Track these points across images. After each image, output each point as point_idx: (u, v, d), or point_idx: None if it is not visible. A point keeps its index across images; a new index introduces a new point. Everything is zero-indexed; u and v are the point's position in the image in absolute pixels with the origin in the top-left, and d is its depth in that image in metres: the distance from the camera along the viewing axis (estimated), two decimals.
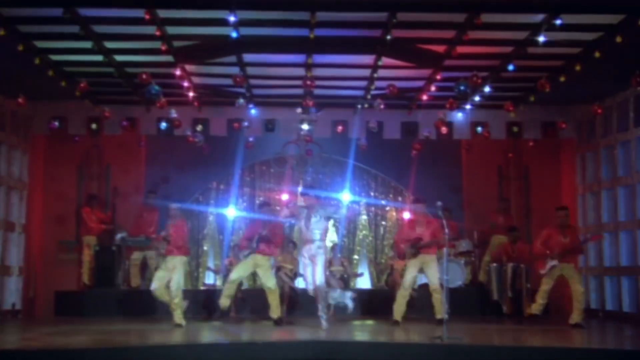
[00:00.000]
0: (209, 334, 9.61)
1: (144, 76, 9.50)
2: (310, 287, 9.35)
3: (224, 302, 10.25)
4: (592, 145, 12.94)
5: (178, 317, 10.04)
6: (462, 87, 9.50)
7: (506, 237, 12.52)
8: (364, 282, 14.16)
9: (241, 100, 10.56)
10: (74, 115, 12.70)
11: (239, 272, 10.31)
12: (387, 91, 10.10)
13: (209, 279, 13.93)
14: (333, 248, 13.02)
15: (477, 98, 12.00)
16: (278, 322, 10.13)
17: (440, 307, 10.04)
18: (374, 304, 12.54)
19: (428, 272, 10.33)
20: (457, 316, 10.45)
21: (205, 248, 14.36)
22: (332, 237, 14.44)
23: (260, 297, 12.50)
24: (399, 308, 10.22)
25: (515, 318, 11.47)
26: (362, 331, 9.86)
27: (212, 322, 11.07)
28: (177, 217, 10.25)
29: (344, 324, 10.63)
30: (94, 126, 12.72)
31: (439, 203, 8.39)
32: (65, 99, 12.23)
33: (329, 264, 12.48)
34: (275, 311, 10.24)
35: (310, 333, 9.09)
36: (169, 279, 10.03)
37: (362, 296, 12.88)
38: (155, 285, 10.05)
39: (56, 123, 12.32)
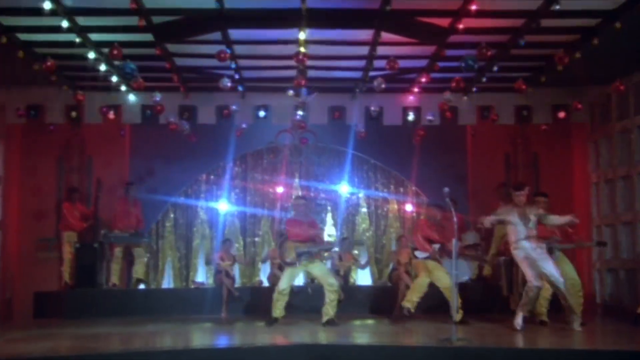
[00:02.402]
0: (199, 337, 8.89)
1: (115, 51, 8.62)
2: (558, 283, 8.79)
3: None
4: (606, 129, 12.12)
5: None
6: (469, 62, 8.70)
7: None
8: (364, 278, 13.38)
9: (226, 80, 9.69)
10: (51, 102, 11.92)
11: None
12: (387, 67, 9.23)
13: (199, 277, 13.12)
14: (343, 241, 12.27)
15: (483, 79, 11.19)
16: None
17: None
18: (376, 301, 11.79)
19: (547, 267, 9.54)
20: (465, 314, 9.67)
21: (196, 242, 13.50)
22: (330, 231, 13.68)
23: (254, 296, 11.93)
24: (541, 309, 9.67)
25: (526, 316, 10.70)
26: (362, 332, 9.08)
27: (203, 324, 10.30)
28: None
29: (342, 323, 9.82)
30: (73, 114, 11.90)
31: (446, 189, 7.61)
32: (42, 86, 11.43)
33: (339, 258, 11.78)
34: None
35: (306, 335, 8.39)
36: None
37: (362, 293, 12.16)
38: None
39: (26, 111, 11.48)
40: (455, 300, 7.90)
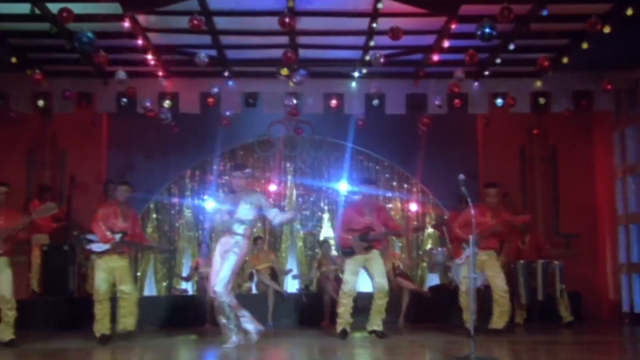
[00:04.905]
0: (183, 352, 7.91)
1: (65, 14, 7.37)
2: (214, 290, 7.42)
3: None
4: (634, 118, 11.02)
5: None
6: (487, 30, 7.50)
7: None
8: (364, 285, 12.17)
9: (203, 55, 8.50)
10: (16, 90, 10.73)
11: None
12: (390, 36, 8.03)
13: (183, 283, 11.94)
14: (324, 244, 11.11)
15: (497, 60, 10.00)
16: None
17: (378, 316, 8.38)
18: None
19: (374, 270, 8.48)
20: (479, 325, 8.48)
21: (181, 244, 12.41)
22: (328, 233, 12.47)
23: (241, 303, 10.81)
24: (344, 318, 8.35)
25: (549, 327, 9.80)
26: (363, 347, 7.88)
27: (187, 337, 9.19)
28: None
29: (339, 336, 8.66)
30: (41, 103, 10.72)
31: (461, 176, 6.42)
32: (4, 71, 10.24)
33: (318, 264, 10.67)
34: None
35: (302, 352, 7.41)
36: None
37: (363, 300, 10.99)
38: None
39: None
40: (472, 308, 6.66)
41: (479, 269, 8.44)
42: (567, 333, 9.33)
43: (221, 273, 7.32)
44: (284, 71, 9.16)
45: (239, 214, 7.39)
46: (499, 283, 8.51)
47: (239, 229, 7.37)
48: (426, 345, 7.82)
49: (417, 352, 7.40)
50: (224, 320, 7.44)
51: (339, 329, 8.29)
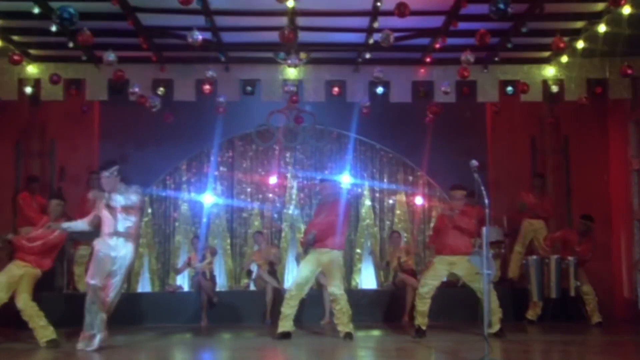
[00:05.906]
0: (178, 352, 7.67)
1: None
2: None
3: None
4: None
5: None
6: (501, 5, 6.99)
7: (542, 223, 10.76)
8: (368, 281, 11.76)
9: (196, 33, 7.98)
10: (2, 76, 10.21)
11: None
12: (395, 12, 7.49)
13: (178, 279, 11.46)
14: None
15: (509, 45, 9.49)
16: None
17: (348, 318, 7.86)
18: (380, 308, 10.27)
19: (327, 274, 8.19)
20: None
21: (177, 239, 11.94)
22: None
23: (239, 300, 10.40)
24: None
25: (562, 325, 9.43)
26: (366, 348, 7.40)
27: (182, 335, 8.80)
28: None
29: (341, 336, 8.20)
30: (28, 90, 10.24)
31: (474, 162, 5.94)
32: None
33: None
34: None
35: (302, 353, 6.98)
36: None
37: (367, 298, 10.54)
38: None
39: None
40: (487, 308, 6.16)
41: (447, 271, 8.10)
42: (580, 332, 8.91)
43: (116, 284, 7.24)
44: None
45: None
46: (476, 285, 7.78)
47: (122, 227, 7.19)
48: (433, 346, 7.33)
49: (424, 354, 6.91)
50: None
51: (278, 330, 7.89)
